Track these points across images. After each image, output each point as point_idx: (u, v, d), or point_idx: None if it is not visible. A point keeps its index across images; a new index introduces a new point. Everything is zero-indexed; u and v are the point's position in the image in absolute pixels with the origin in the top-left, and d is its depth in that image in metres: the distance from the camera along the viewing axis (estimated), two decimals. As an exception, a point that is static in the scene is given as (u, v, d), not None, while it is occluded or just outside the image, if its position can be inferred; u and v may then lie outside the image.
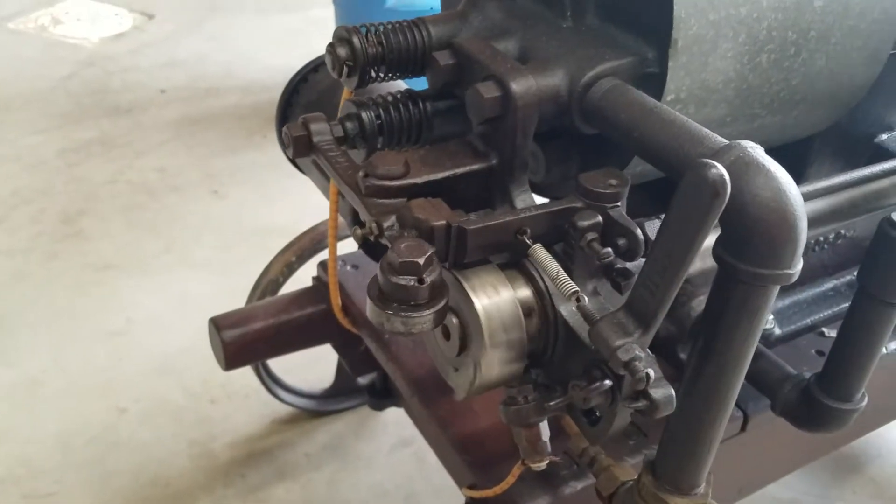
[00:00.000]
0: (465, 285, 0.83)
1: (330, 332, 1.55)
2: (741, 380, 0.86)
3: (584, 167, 1.02)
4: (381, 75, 1.00)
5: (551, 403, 0.85)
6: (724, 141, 0.78)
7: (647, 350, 0.79)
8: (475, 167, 0.93)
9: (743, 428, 1.33)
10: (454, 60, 0.96)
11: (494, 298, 0.84)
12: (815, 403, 1.16)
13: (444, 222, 0.82)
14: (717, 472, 1.40)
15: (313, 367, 2.05)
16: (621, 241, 0.84)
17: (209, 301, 2.01)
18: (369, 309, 0.80)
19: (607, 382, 0.78)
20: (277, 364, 1.95)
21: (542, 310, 0.87)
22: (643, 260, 0.93)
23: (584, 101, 0.92)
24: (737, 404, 1.32)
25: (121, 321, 2.35)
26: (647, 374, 0.74)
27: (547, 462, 0.97)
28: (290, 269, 1.76)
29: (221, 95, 3.65)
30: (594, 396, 0.80)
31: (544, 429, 0.95)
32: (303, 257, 1.76)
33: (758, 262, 0.76)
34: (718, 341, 0.83)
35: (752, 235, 0.75)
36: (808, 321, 1.46)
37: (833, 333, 1.47)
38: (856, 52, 1.06)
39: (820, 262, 1.49)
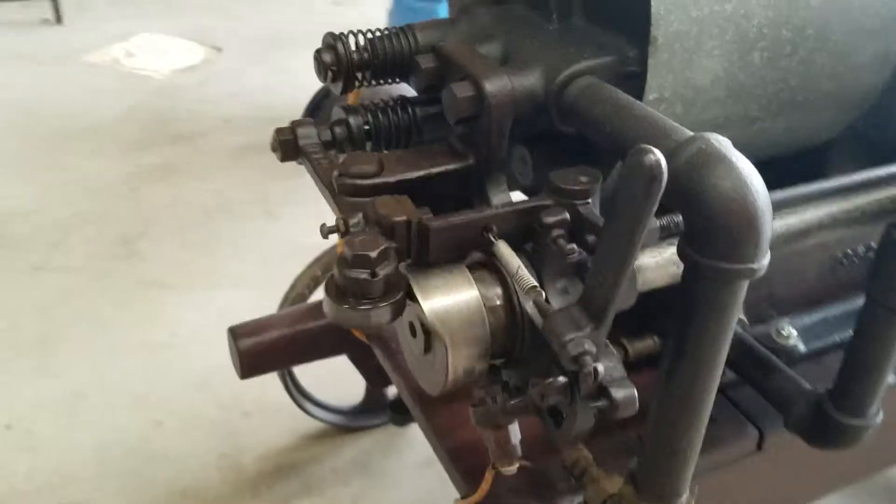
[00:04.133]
0: (414, 285, 0.83)
1: (345, 343, 1.56)
2: (716, 381, 0.83)
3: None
4: (368, 81, 1.02)
5: (513, 402, 0.83)
6: (691, 133, 0.76)
7: (608, 346, 0.77)
8: (451, 167, 0.93)
9: (759, 447, 1.27)
10: (436, 63, 0.97)
11: (455, 297, 0.83)
12: (827, 419, 1.11)
13: (404, 218, 0.82)
14: (734, 495, 1.35)
15: (344, 382, 2.06)
16: (590, 238, 0.83)
17: (252, 317, 2.05)
18: (325, 304, 0.80)
19: (561, 379, 0.76)
20: (309, 379, 1.97)
21: (508, 308, 0.85)
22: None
23: (561, 99, 0.90)
24: (752, 421, 1.27)
25: (164, 336, 2.41)
26: (596, 370, 0.71)
27: (517, 466, 0.94)
28: (315, 283, 1.78)
29: (283, 124, 3.74)
30: (550, 393, 0.77)
31: (514, 431, 0.93)
32: (328, 271, 1.77)
33: (719, 257, 0.73)
34: (688, 342, 0.80)
35: (711, 228, 0.73)
36: (836, 338, 1.39)
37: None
38: (860, 50, 1.02)
39: (849, 277, 1.43)
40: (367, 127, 1.01)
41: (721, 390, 1.32)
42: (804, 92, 1.02)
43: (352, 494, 1.92)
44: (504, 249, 0.82)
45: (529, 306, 0.81)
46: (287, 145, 0.98)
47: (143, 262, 2.77)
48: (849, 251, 1.43)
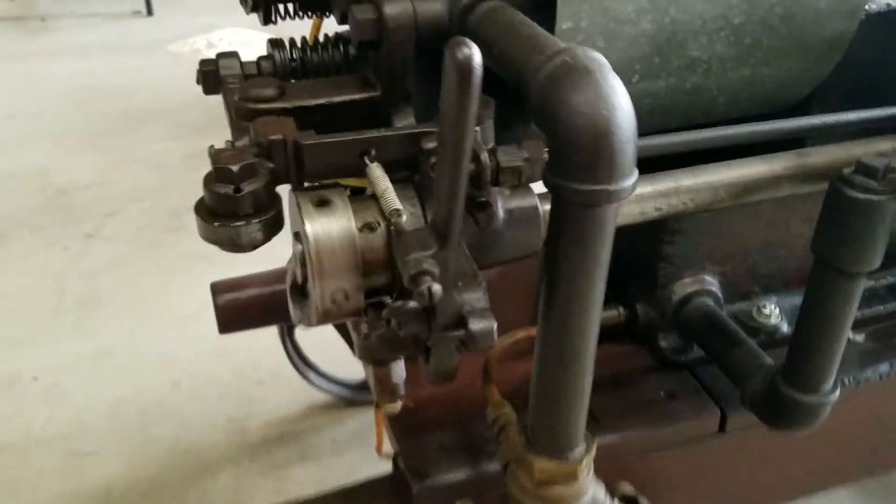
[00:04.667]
0: (302, 206, 0.80)
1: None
2: (592, 322, 0.77)
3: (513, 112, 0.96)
4: (292, 12, 1.00)
5: (379, 332, 0.79)
6: (562, 47, 0.71)
7: (476, 275, 0.73)
8: (356, 97, 0.90)
9: (722, 428, 1.18)
10: (352, -8, 0.94)
11: (328, 223, 0.80)
12: (780, 395, 1.02)
13: (280, 137, 0.80)
14: (697, 483, 1.26)
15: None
16: (470, 167, 0.78)
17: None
18: (197, 225, 0.79)
19: (411, 303, 0.72)
20: (322, 353, 1.98)
21: (386, 238, 0.82)
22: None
23: (464, 25, 0.87)
24: (714, 399, 1.19)
25: (196, 307, 2.46)
26: (430, 289, 0.67)
27: (400, 406, 0.90)
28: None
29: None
30: (400, 319, 0.74)
31: (397, 369, 0.89)
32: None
33: (575, 178, 0.68)
34: (555, 276, 0.75)
35: (563, 146, 0.67)
36: (829, 322, 1.29)
37: (859, 338, 1.30)
38: (818, -10, 0.94)
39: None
40: (293, 63, 1.00)
41: (688, 366, 1.25)
42: (751, 34, 0.94)
43: (347, 464, 1.91)
44: (375, 171, 0.79)
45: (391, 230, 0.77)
46: (208, 76, 0.98)
47: (190, 236, 2.83)
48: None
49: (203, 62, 0.99)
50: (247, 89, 0.88)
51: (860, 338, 1.30)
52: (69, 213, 2.95)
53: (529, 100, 0.71)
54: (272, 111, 0.87)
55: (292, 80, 1.00)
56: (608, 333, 1.27)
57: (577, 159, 0.67)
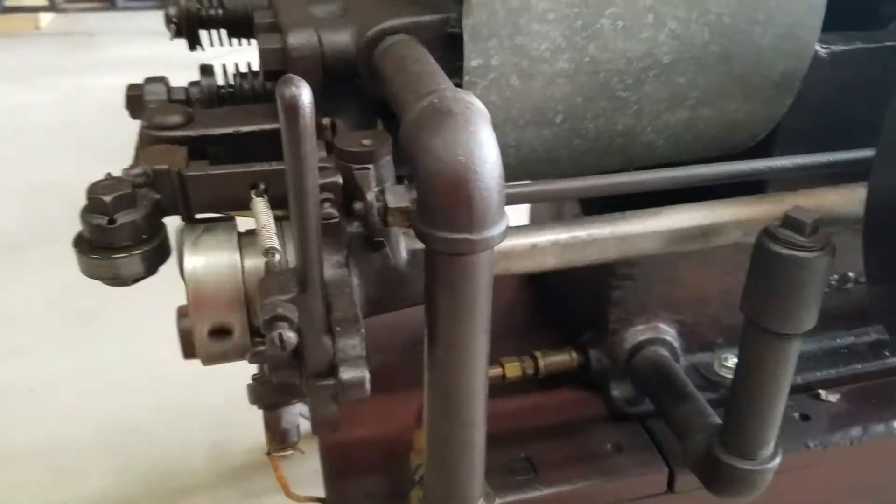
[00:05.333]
0: (182, 239, 0.78)
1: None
2: (475, 372, 0.72)
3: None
4: (221, 38, 0.99)
5: (257, 375, 0.76)
6: (438, 87, 0.68)
7: (357, 321, 0.70)
8: (264, 127, 0.87)
9: (670, 487, 1.11)
10: (271, 20, 0.92)
11: (210, 255, 0.78)
12: (716, 460, 0.95)
13: (165, 167, 0.78)
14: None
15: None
16: (357, 205, 0.75)
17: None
18: (78, 260, 0.77)
19: (263, 348, 0.69)
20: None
21: (270, 275, 0.79)
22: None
23: (370, 58, 0.84)
24: (663, 455, 1.12)
25: (196, 325, 2.47)
26: (281, 335, 0.64)
27: (290, 452, 0.87)
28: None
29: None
30: (273, 366, 0.71)
31: (287, 414, 0.85)
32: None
33: (438, 225, 0.64)
34: (435, 326, 0.70)
35: (424, 192, 0.64)
36: (798, 379, 1.21)
37: (832, 398, 1.22)
38: (756, 31, 0.88)
39: (825, 309, 1.24)
40: (221, 90, 0.98)
41: (640, 418, 1.19)
42: (685, 73, 0.89)
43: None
44: (258, 206, 0.76)
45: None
46: (133, 101, 0.96)
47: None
48: (831, 282, 1.25)
49: (130, 86, 0.98)
50: (152, 115, 0.86)
51: (833, 398, 1.22)
52: (87, 226, 3.00)
53: (401, 142, 0.68)
54: (174, 139, 0.85)
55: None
56: (561, 378, 1.22)
57: (437, 206, 0.63)
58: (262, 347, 0.71)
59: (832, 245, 0.81)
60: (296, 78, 0.56)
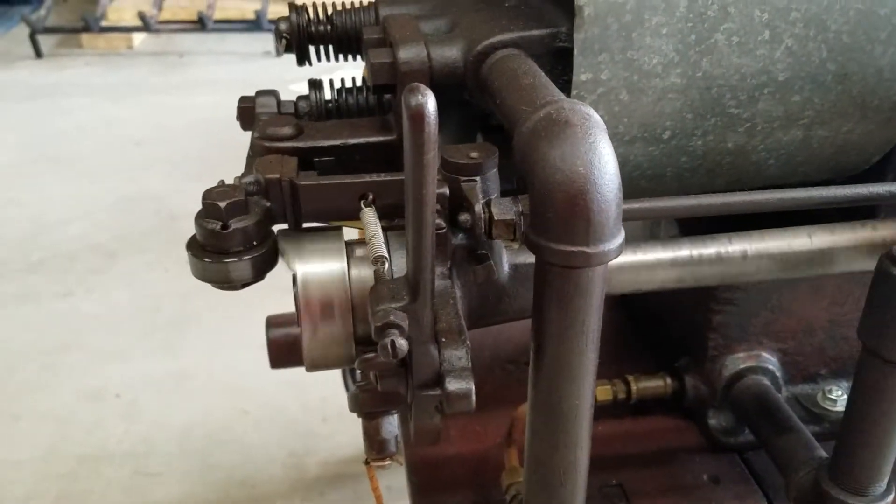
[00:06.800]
0: (289, 248, 0.79)
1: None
2: (581, 391, 0.70)
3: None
4: (329, 54, 1.01)
5: (361, 383, 0.76)
6: (554, 98, 0.67)
7: (462, 333, 0.69)
8: (371, 140, 0.89)
9: (768, 518, 1.07)
10: (380, 35, 0.94)
11: (319, 266, 0.78)
12: (823, 494, 0.91)
13: (276, 176, 0.79)
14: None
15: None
16: (463, 217, 0.75)
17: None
18: (189, 262, 0.78)
19: (372, 355, 0.69)
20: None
21: (377, 285, 0.79)
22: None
23: (479, 73, 0.84)
24: (762, 488, 1.08)
25: (277, 337, 2.51)
26: (394, 342, 0.64)
27: (389, 463, 0.86)
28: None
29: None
30: (380, 374, 0.70)
31: (387, 424, 0.85)
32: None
33: (552, 237, 0.63)
34: (543, 341, 0.69)
35: (540, 203, 0.63)
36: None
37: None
38: (877, 47, 0.85)
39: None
40: (329, 104, 1.00)
41: (738, 450, 1.15)
42: (800, 91, 0.86)
43: (397, 514, 1.87)
44: (367, 216, 0.76)
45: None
46: (245, 112, 0.99)
47: (282, 266, 2.91)
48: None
49: (242, 99, 1.01)
50: (264, 127, 0.88)
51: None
52: (175, 236, 3.08)
53: (514, 153, 0.67)
54: (284, 150, 0.86)
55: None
56: (652, 404, 1.20)
57: (553, 217, 0.62)
58: (371, 354, 0.71)
59: (959, 272, 0.77)
60: (422, 86, 0.56)
